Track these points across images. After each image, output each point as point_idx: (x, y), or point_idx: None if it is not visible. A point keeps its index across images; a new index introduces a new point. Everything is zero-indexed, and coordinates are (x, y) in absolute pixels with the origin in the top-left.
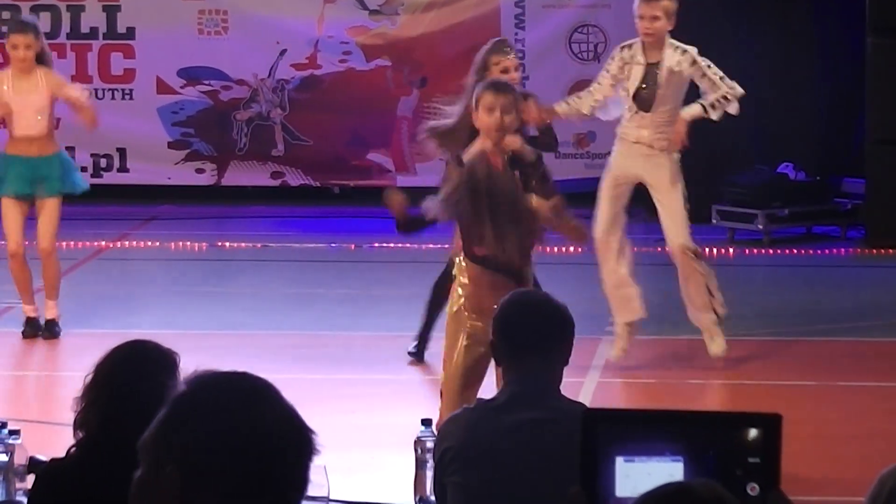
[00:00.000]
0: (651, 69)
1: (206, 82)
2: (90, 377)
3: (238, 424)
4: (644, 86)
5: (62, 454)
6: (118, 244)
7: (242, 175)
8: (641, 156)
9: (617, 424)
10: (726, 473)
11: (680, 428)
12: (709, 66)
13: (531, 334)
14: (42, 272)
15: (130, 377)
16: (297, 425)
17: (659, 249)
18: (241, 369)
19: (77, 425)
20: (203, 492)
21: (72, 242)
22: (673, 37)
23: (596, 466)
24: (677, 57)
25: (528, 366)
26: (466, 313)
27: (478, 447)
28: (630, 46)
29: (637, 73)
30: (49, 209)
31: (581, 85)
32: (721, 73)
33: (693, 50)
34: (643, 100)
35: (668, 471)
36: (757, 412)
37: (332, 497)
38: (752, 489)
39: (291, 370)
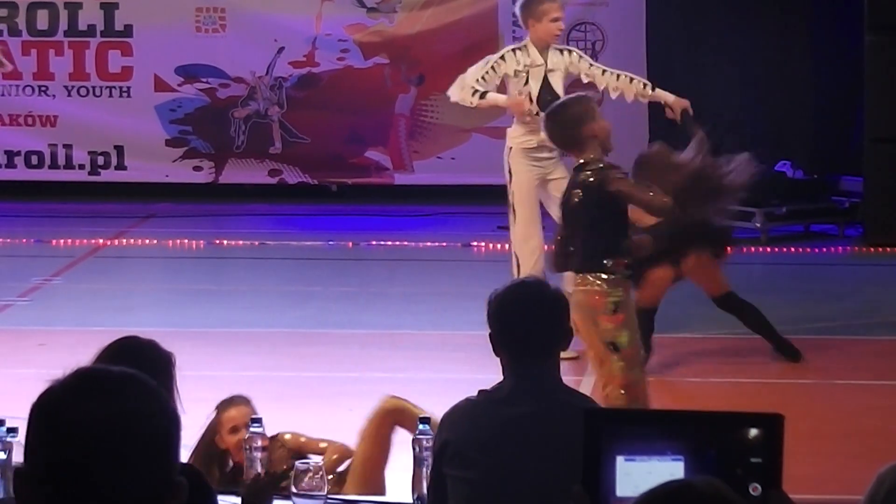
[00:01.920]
0: (545, 71)
1: (204, 80)
2: None
3: (98, 410)
4: (542, 88)
5: None
6: (116, 242)
7: (240, 173)
8: (546, 158)
9: (618, 423)
10: (727, 473)
11: (681, 427)
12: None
13: (530, 324)
14: None
15: None
16: (162, 404)
17: None
18: (235, 367)
19: None
20: (75, 480)
21: (69, 240)
22: (673, 36)
23: (598, 465)
24: (567, 57)
25: (528, 357)
26: None
27: (480, 441)
28: (522, 49)
29: (537, 75)
30: None
31: (577, 84)
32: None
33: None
34: (546, 102)
35: (668, 470)
36: (758, 412)
37: (329, 495)
38: (755, 489)
39: (289, 368)
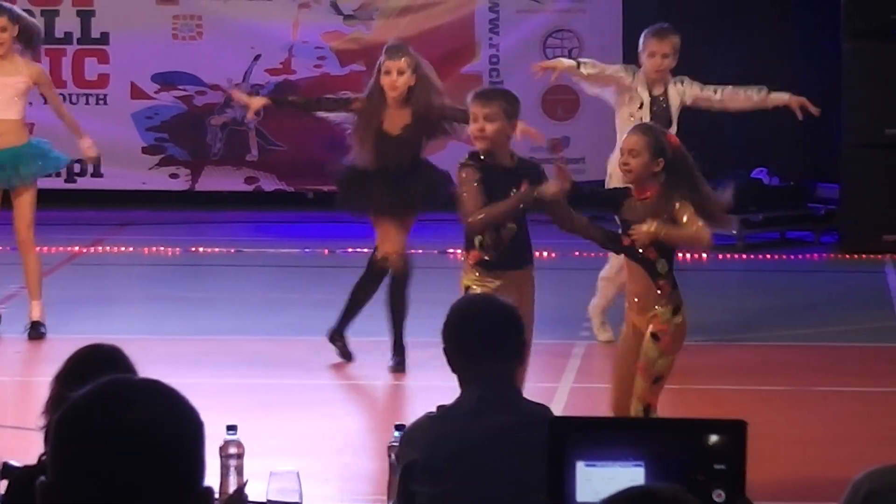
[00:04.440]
0: (657, 101)
1: (181, 87)
2: (52, 384)
3: (125, 420)
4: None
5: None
6: (92, 249)
7: (217, 180)
8: None
9: (581, 430)
10: (689, 479)
11: (643, 434)
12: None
13: (486, 338)
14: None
15: (84, 382)
16: (186, 412)
17: None
18: (212, 375)
19: (45, 433)
20: (107, 489)
21: (46, 248)
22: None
23: (561, 473)
24: (680, 87)
25: (488, 370)
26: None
27: (448, 456)
28: (639, 74)
29: (645, 103)
30: (25, 198)
31: (556, 90)
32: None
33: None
34: None
35: (629, 476)
36: (722, 419)
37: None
38: (718, 496)
39: (266, 376)
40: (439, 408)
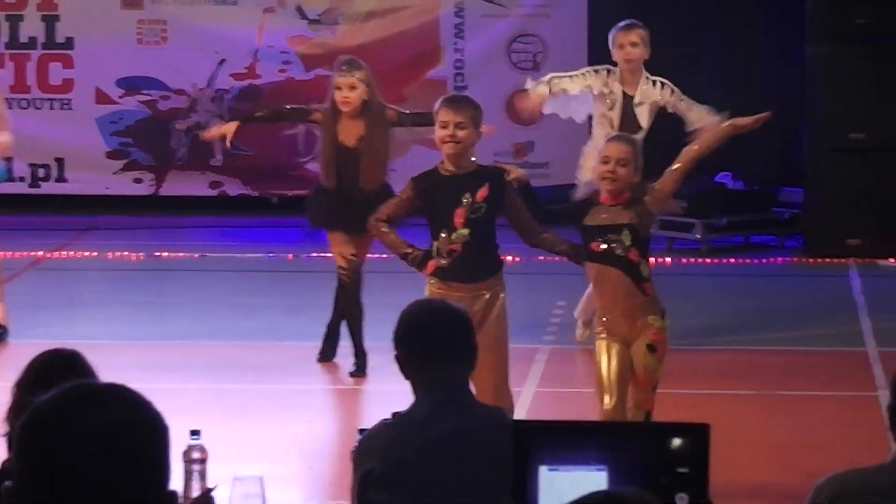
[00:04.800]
0: (629, 102)
1: (145, 92)
2: (13, 390)
3: (91, 424)
4: (625, 117)
5: None
6: (56, 254)
7: (181, 185)
8: None
9: (543, 434)
10: (652, 483)
11: (606, 438)
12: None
13: (439, 343)
14: None
15: (46, 388)
16: (150, 416)
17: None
18: (178, 380)
19: (9, 440)
20: (73, 493)
21: (9, 252)
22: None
23: (525, 477)
24: (658, 89)
25: (440, 376)
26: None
27: (406, 463)
28: (613, 73)
29: (619, 104)
30: None
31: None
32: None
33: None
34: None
35: (592, 480)
36: (685, 422)
37: None
38: (681, 499)
39: (230, 380)
40: (394, 415)
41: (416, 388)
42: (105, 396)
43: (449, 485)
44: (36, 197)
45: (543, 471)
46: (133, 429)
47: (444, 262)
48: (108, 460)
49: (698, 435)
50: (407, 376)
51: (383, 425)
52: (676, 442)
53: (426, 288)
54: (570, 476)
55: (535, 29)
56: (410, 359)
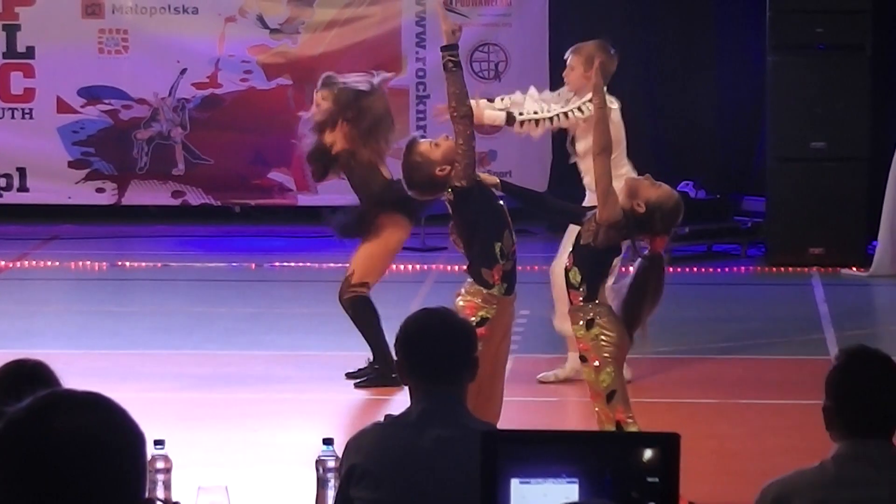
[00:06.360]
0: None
1: (107, 101)
2: None
3: (66, 432)
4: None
5: None
6: (18, 264)
7: (143, 194)
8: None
9: (513, 445)
10: (623, 494)
11: (576, 449)
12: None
13: (437, 352)
14: None
15: (13, 398)
16: (126, 424)
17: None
18: (141, 389)
19: None
20: (49, 501)
21: None
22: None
23: (495, 490)
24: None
25: (435, 384)
26: None
27: (389, 463)
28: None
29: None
30: None
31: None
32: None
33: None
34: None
35: (563, 492)
36: (654, 432)
37: None
38: None
39: (193, 389)
40: (387, 417)
41: (412, 394)
42: (80, 404)
43: (427, 490)
44: None
45: (515, 483)
46: (109, 437)
47: (508, 264)
48: (85, 469)
49: (668, 445)
50: (404, 382)
51: (374, 425)
52: (648, 454)
53: (463, 299)
54: (542, 488)
55: (496, 38)
56: (408, 365)
